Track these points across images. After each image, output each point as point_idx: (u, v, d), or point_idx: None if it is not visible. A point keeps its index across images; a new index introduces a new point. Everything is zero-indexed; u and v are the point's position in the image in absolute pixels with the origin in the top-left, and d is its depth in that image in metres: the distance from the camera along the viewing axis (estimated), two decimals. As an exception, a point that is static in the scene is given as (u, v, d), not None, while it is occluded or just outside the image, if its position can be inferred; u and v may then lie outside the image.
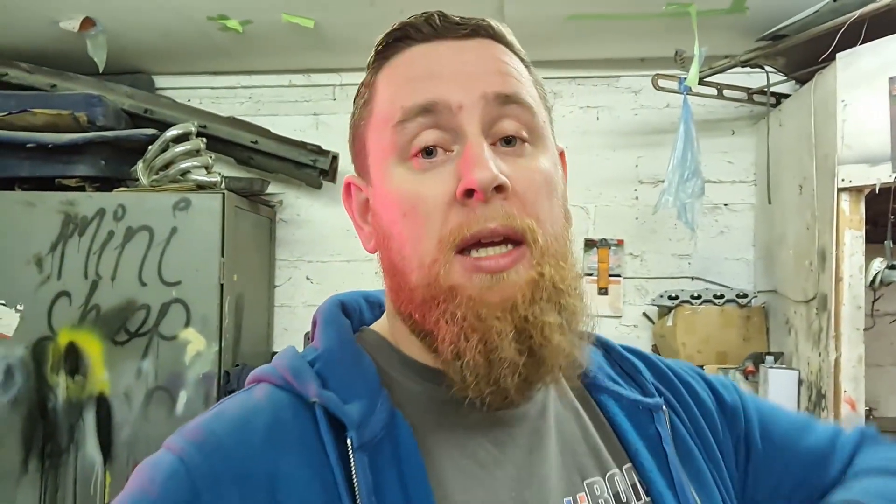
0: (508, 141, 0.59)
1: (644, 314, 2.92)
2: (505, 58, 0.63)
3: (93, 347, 2.49)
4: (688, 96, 2.57)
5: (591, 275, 2.94)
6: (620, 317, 2.93)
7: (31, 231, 2.51)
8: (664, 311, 2.78)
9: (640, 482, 0.64)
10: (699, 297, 2.69)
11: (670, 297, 2.72)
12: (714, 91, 2.63)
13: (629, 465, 0.65)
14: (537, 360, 0.56)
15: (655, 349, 2.87)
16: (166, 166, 2.62)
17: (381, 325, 0.68)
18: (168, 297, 2.49)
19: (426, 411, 0.60)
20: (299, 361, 0.60)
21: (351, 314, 0.69)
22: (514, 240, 0.57)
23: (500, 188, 0.56)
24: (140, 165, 2.65)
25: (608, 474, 0.63)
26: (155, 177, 2.64)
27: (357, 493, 0.52)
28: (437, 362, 0.59)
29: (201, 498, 0.51)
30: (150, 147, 2.63)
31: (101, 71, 2.74)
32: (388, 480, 0.54)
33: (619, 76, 2.97)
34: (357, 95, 0.67)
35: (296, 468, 0.53)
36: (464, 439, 0.59)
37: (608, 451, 0.65)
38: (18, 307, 2.50)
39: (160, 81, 3.12)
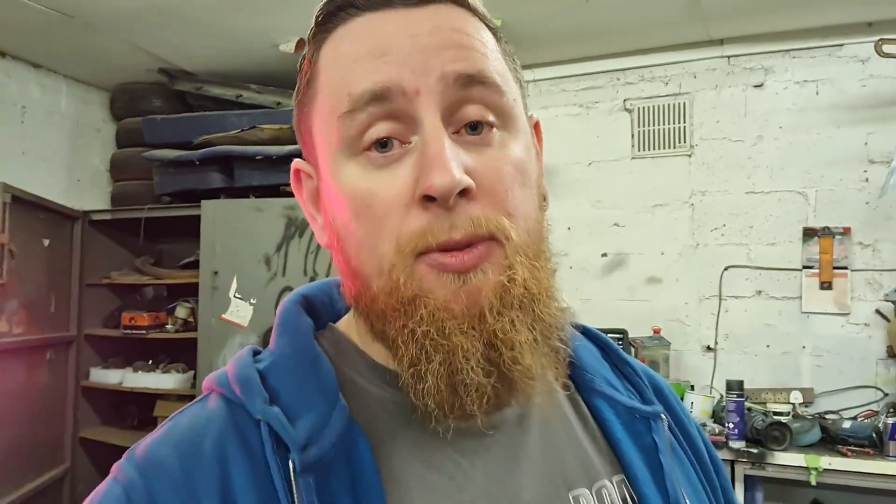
0: (474, 127, 0.52)
1: (877, 311, 2.58)
2: (466, 27, 0.53)
3: (311, 338, 2.76)
4: (927, 60, 2.22)
5: (810, 267, 2.65)
6: (848, 314, 2.61)
7: (260, 233, 2.84)
8: (902, 308, 2.44)
9: (631, 495, 0.58)
10: (945, 291, 2.32)
11: (908, 292, 2.38)
12: (959, 52, 2.25)
13: (621, 476, 0.59)
14: (506, 381, 0.51)
15: (890, 351, 2.52)
16: (370, 170, 2.82)
17: (347, 324, 0.61)
18: (373, 293, 2.67)
19: (390, 420, 0.54)
20: (250, 371, 0.54)
21: (318, 309, 0.63)
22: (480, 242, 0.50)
23: (463, 192, 0.49)
24: (349, 170, 2.87)
25: (596, 486, 0.57)
26: (362, 180, 2.85)
27: None
28: None
29: None
30: (356, 153, 2.85)
31: (315, 86, 3.02)
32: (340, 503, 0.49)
33: (842, 44, 2.65)
34: (300, 71, 0.59)
35: (245, 493, 0.49)
36: (430, 450, 0.53)
37: (599, 460, 0.59)
38: (252, 301, 2.83)
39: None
